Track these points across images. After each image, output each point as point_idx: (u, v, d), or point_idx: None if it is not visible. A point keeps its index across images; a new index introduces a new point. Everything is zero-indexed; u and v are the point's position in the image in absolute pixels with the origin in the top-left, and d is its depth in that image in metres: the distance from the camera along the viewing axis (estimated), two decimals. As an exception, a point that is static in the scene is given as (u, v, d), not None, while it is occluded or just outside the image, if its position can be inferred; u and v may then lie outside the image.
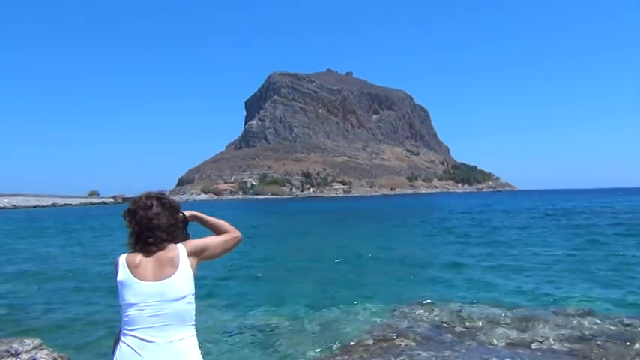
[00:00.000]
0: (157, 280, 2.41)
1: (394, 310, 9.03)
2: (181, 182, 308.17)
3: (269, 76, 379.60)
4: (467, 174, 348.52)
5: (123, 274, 2.44)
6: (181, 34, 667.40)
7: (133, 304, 2.38)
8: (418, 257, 18.23)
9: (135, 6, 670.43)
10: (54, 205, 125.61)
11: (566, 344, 6.91)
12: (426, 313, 8.48)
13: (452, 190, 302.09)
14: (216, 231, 2.69)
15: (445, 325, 7.91)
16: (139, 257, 2.46)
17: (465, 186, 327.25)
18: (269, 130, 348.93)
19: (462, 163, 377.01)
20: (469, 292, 11.26)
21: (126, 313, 2.40)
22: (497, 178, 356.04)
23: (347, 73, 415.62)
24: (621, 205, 58.71)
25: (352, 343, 7.49)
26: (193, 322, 2.48)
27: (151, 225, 2.47)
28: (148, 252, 2.46)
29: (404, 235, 28.56)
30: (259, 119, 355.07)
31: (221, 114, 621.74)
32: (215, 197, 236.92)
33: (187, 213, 2.69)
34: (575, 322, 7.67)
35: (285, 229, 37.47)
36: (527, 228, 30.79)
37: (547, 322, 7.67)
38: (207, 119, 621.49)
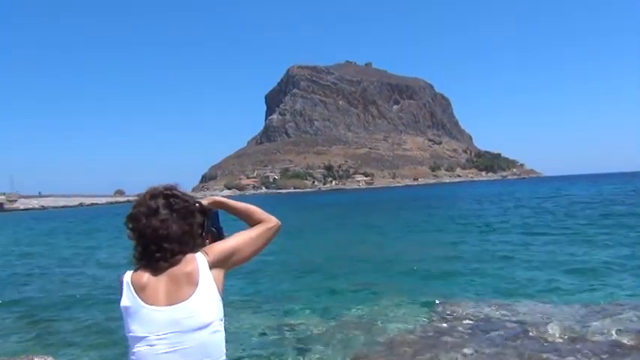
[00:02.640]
0: (170, 304, 1.82)
1: (434, 308, 8.54)
2: (204, 179, 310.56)
3: (288, 70, 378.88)
4: (490, 162, 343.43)
5: (128, 297, 1.85)
6: (201, 31, 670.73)
7: (141, 338, 1.79)
8: (452, 250, 17.56)
9: (152, 2, 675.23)
10: (81, 204, 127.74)
11: (629, 338, 6.37)
12: (470, 310, 7.98)
13: (475, 179, 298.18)
14: (247, 220, 2.08)
15: (494, 320, 7.42)
16: (146, 276, 1.86)
17: (489, 174, 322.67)
18: (290, 123, 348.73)
19: (485, 151, 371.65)
20: (513, 286, 10.67)
21: (133, 350, 1.81)
22: (522, 165, 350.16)
23: (366, 64, 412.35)
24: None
25: (394, 342, 7.06)
26: (224, 358, 1.88)
27: (158, 236, 1.86)
28: (156, 269, 1.85)
29: (432, 227, 27.84)
30: (280, 113, 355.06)
31: (242, 109, 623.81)
32: (238, 192, 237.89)
33: (206, 200, 2.07)
34: (635, 316, 7.09)
35: (307, 224, 37.03)
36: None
37: (606, 317, 7.11)
38: (228, 115, 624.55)
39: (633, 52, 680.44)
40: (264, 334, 8.12)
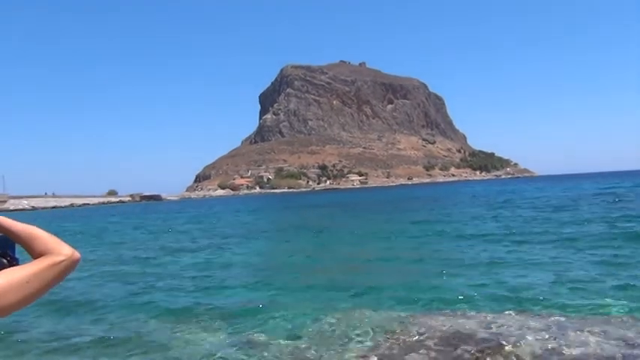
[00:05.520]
0: None
1: (399, 321, 7.93)
2: (198, 178, 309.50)
3: (282, 70, 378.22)
4: (484, 161, 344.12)
5: None
6: (194, 31, 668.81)
7: None
8: (439, 255, 16.86)
9: (142, 3, 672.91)
10: (72, 205, 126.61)
11: (607, 351, 5.84)
12: (440, 323, 7.40)
13: (469, 178, 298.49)
14: (27, 249, 1.44)
15: (465, 334, 6.85)
16: None
17: (483, 173, 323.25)
18: (284, 123, 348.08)
19: (479, 151, 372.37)
20: (483, 297, 10.06)
21: None
22: (516, 164, 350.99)
23: (360, 64, 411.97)
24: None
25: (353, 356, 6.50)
26: None
27: None
28: None
29: (421, 230, 27.21)
30: (274, 113, 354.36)
31: (236, 109, 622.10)
32: (232, 192, 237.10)
33: None
34: (618, 330, 6.54)
35: (299, 225, 36.43)
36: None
37: (586, 331, 6.56)
38: (222, 115, 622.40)
39: (629, 51, 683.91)
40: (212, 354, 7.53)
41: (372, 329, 7.76)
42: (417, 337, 6.93)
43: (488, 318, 7.54)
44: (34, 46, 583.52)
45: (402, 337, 7.06)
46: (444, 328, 7.13)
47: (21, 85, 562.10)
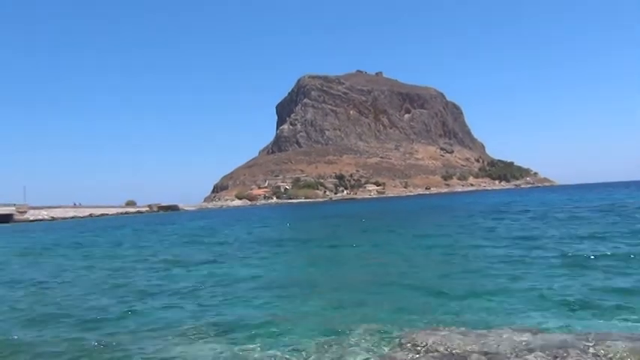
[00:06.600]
0: None
1: (394, 338, 7.65)
2: (216, 189, 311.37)
3: (299, 80, 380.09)
4: (503, 170, 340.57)
5: None
6: (211, 41, 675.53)
7: None
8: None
9: (162, 11, 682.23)
10: (91, 215, 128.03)
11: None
12: (436, 340, 7.09)
13: (488, 188, 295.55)
14: None
15: (461, 353, 6.54)
16: None
17: (502, 182, 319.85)
18: (301, 133, 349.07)
19: (498, 160, 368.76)
20: (481, 313, 9.69)
21: None
22: (536, 174, 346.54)
23: (377, 74, 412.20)
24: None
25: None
26: None
27: None
28: None
29: (435, 242, 26.78)
30: (290, 123, 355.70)
31: (253, 120, 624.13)
32: (249, 203, 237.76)
33: None
34: (621, 349, 6.17)
35: (311, 237, 36.17)
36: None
37: (587, 349, 6.20)
38: (239, 125, 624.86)
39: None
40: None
41: (374, 346, 7.51)
42: (411, 356, 6.64)
43: (485, 337, 7.20)
44: (57, 59, 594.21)
45: (397, 356, 6.78)
46: (439, 347, 6.83)
47: (42, 99, 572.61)
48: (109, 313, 11.75)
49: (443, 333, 7.38)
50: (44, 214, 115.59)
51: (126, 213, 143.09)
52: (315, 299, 12.15)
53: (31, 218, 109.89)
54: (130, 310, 11.94)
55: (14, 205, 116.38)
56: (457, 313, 9.67)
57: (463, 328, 7.83)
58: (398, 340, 7.58)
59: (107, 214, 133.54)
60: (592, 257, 15.85)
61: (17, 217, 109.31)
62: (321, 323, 9.43)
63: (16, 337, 9.80)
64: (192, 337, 9.13)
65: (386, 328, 8.48)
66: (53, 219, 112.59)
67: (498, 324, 8.29)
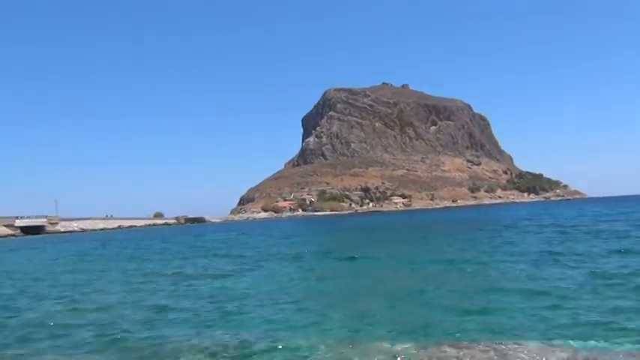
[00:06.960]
0: None
1: (408, 354, 7.59)
2: (242, 201, 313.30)
3: (325, 93, 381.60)
4: (532, 182, 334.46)
5: None
6: (238, 56, 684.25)
7: None
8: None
9: (190, 30, 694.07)
10: (119, 227, 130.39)
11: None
12: (452, 355, 7.02)
13: (517, 200, 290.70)
14: None
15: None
16: None
17: (531, 195, 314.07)
18: (326, 146, 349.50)
19: (526, 172, 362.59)
20: (500, 326, 9.53)
21: None
22: (566, 186, 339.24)
23: (402, 86, 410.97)
24: None
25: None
26: None
27: None
28: None
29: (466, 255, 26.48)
30: (316, 136, 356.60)
31: (279, 132, 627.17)
32: (275, 215, 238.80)
33: None
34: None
35: (332, 249, 36.11)
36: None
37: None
38: (265, 138, 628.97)
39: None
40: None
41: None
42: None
43: (504, 351, 7.09)
44: (76, 79, 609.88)
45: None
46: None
47: (67, 112, 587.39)
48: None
49: (457, 350, 7.30)
50: (74, 225, 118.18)
51: (154, 225, 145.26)
52: (332, 312, 12.13)
53: (62, 230, 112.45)
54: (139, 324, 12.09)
55: (46, 217, 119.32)
56: (475, 330, 9.54)
57: (482, 344, 7.74)
58: (407, 355, 7.52)
59: (135, 226, 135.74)
60: (621, 274, 15.46)
61: (49, 228, 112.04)
62: (333, 336, 9.41)
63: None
64: (190, 356, 9.19)
65: (399, 344, 8.43)
66: (83, 230, 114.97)
67: (517, 340, 8.15)
